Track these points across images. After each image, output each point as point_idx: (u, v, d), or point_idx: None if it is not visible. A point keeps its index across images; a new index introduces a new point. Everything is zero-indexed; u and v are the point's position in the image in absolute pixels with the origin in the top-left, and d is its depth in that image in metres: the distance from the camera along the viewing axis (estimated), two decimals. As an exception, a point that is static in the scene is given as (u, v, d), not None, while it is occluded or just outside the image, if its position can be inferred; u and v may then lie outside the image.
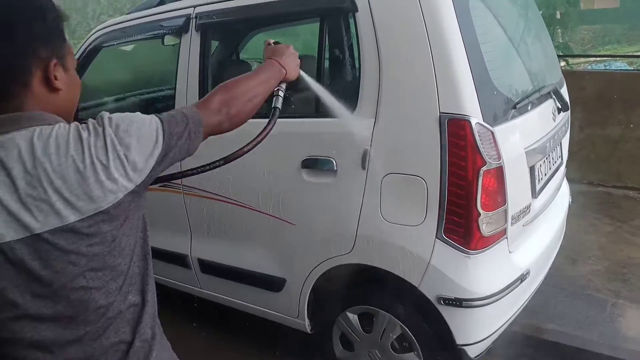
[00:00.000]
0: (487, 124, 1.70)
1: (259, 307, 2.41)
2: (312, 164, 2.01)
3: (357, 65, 1.93)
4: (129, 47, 3.05)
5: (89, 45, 2.81)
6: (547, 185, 2.21)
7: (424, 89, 1.73)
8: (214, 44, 2.62)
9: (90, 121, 0.90)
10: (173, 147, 0.97)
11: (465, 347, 1.86)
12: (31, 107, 0.89)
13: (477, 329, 1.86)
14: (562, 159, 2.46)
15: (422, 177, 1.77)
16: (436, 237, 1.78)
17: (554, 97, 2.22)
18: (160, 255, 2.68)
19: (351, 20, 1.93)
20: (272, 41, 1.44)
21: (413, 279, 1.85)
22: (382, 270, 1.93)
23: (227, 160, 1.22)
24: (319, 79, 2.02)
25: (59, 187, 0.83)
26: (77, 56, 2.81)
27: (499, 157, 1.72)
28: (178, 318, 2.87)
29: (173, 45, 2.86)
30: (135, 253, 0.96)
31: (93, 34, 2.80)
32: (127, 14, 2.72)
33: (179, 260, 2.62)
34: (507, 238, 1.86)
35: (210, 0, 2.28)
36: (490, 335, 1.90)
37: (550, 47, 2.51)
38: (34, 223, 0.83)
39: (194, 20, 2.33)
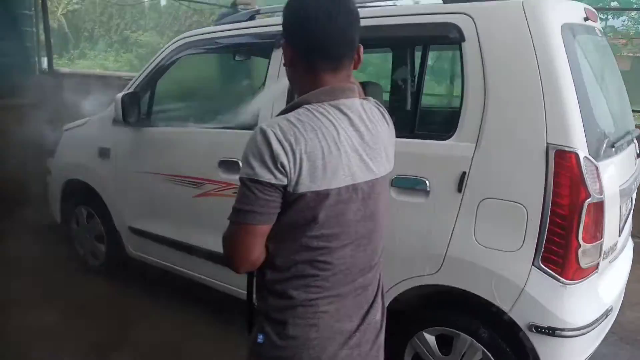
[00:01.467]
0: (593, 158, 1.76)
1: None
2: (403, 183, 2.06)
3: (457, 91, 2.00)
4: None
5: (171, 52, 2.89)
6: (625, 226, 2.25)
7: (532, 119, 1.79)
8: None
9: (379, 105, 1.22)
10: None
11: (552, 378, 1.87)
12: (350, 80, 1.14)
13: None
14: (632, 202, 2.50)
15: (523, 204, 1.81)
16: (533, 264, 1.81)
17: (635, 142, 2.28)
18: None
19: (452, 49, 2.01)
20: None
21: (504, 304, 1.87)
22: (470, 293, 1.94)
23: None
24: (416, 101, 2.09)
25: (386, 146, 1.15)
26: (157, 61, 2.90)
27: (602, 192, 1.76)
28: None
29: (242, 60, 2.98)
30: None
31: (176, 41, 2.89)
32: (215, 24, 2.81)
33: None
34: (598, 272, 1.89)
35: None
36: (573, 369, 1.91)
37: (625, 95, 2.59)
38: (375, 169, 1.10)
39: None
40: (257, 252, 1.07)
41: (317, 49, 1.08)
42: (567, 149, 1.73)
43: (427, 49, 2.06)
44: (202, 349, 2.79)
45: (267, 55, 2.55)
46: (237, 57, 3.03)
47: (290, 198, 1.02)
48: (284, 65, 1.17)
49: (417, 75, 2.08)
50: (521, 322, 1.85)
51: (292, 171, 0.99)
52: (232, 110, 2.71)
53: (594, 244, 1.80)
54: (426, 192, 2.01)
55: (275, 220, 1.05)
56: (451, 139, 1.96)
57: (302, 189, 1.00)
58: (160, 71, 2.95)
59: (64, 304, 3.12)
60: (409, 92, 2.18)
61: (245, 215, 1.03)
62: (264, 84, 2.52)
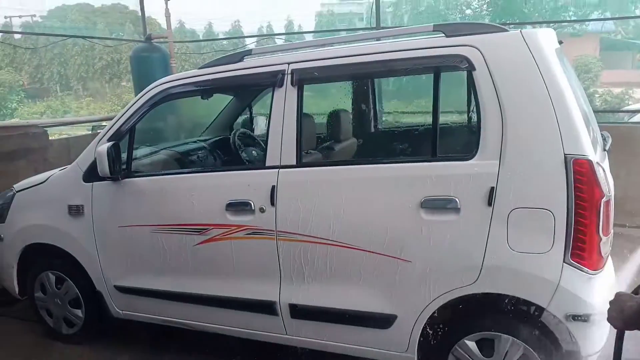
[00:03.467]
0: (599, 162, 2.05)
1: (359, 347, 2.48)
2: (432, 204, 2.20)
3: (474, 115, 2.20)
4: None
5: (151, 98, 2.78)
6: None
7: (548, 134, 2.03)
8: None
9: None
10: None
11: (589, 358, 2.11)
12: None
13: (598, 341, 2.12)
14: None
15: (550, 209, 2.04)
16: (564, 261, 2.05)
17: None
18: (237, 304, 2.65)
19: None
20: None
21: (541, 301, 2.08)
22: (507, 296, 2.13)
23: None
24: (435, 128, 2.26)
25: None
26: (136, 107, 2.79)
27: (610, 190, 2.06)
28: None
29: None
30: None
31: (157, 86, 2.79)
32: (200, 68, 2.76)
33: (262, 307, 2.60)
34: (609, 260, 2.18)
35: (309, 58, 2.46)
36: (603, 346, 2.17)
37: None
38: None
39: (289, 75, 2.47)
40: None
41: None
42: (581, 157, 2.00)
43: (439, 78, 2.25)
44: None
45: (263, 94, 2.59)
46: (203, 97, 3.02)
47: None
48: None
49: (433, 103, 2.25)
50: (559, 314, 2.07)
51: None
52: (235, 151, 2.66)
53: (608, 235, 2.08)
54: (457, 210, 2.17)
55: None
56: (475, 158, 2.15)
57: None
58: (139, 117, 2.82)
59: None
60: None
61: None
62: (268, 122, 2.54)
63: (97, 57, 29.24)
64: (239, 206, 2.54)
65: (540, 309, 2.11)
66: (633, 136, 5.04)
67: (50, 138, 5.19)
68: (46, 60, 32.18)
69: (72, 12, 34.09)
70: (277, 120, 2.50)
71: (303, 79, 2.47)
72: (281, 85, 2.49)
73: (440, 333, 2.33)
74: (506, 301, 2.15)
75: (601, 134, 2.54)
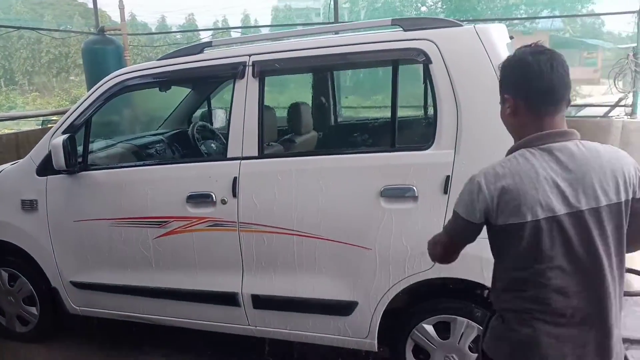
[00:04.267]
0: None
1: (321, 335, 2.52)
2: (391, 192, 2.27)
3: (430, 107, 2.27)
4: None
5: (108, 89, 2.72)
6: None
7: (499, 124, 2.13)
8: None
9: None
10: None
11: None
12: (564, 122, 1.35)
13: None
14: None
15: (502, 196, 2.14)
16: (514, 245, 2.16)
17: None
18: (199, 297, 2.65)
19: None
20: None
21: (494, 284, 2.19)
22: (463, 280, 2.23)
23: None
24: (393, 120, 2.33)
25: (602, 179, 1.27)
26: (92, 99, 2.73)
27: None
28: None
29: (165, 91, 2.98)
30: None
31: (114, 77, 2.73)
32: (159, 59, 2.72)
33: (224, 299, 2.61)
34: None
35: (270, 50, 2.48)
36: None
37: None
38: (580, 202, 1.26)
39: (251, 67, 2.48)
40: (455, 257, 1.51)
41: (544, 97, 1.32)
42: (530, 145, 2.11)
43: (397, 71, 2.32)
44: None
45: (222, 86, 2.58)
46: (161, 89, 3.00)
47: (495, 228, 1.33)
48: (506, 117, 1.43)
49: (392, 95, 2.32)
50: (510, 295, 2.19)
51: (493, 210, 1.30)
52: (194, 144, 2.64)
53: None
54: (415, 198, 2.25)
55: (491, 244, 1.40)
56: (431, 148, 2.23)
57: (502, 222, 1.30)
58: (95, 109, 2.75)
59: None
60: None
61: (453, 235, 1.45)
62: (230, 113, 2.54)
63: (44, 50, 28.01)
64: (200, 198, 2.54)
65: (493, 291, 2.21)
66: (579, 129, 5.30)
67: (-3, 133, 4.99)
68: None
69: (17, 3, 32.43)
70: (239, 111, 2.51)
71: (264, 70, 2.49)
72: (242, 77, 2.50)
73: (399, 318, 2.41)
74: (461, 285, 2.25)
75: None
